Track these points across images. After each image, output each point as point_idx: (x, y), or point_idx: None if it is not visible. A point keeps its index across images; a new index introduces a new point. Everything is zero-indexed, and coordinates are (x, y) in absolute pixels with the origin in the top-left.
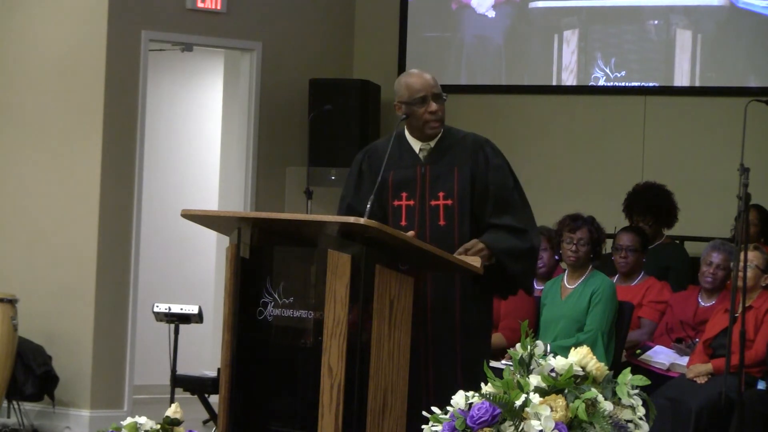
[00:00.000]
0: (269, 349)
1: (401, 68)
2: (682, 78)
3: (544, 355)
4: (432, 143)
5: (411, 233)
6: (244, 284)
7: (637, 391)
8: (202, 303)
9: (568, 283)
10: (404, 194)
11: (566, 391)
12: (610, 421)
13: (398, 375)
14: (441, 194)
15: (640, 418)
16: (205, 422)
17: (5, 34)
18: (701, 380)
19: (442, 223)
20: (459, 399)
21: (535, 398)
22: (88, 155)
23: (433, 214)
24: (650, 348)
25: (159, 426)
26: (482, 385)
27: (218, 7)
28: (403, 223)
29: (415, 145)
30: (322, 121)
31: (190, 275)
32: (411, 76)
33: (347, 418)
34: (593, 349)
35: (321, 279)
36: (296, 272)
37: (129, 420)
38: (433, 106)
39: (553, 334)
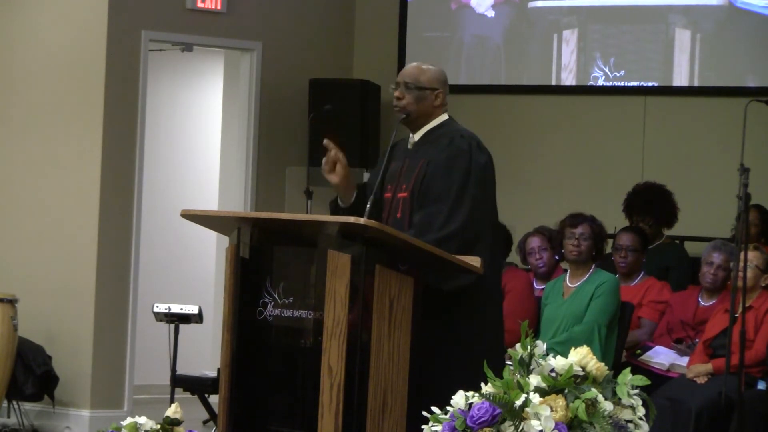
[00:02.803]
0: (269, 348)
1: (401, 68)
2: (681, 78)
3: (544, 355)
4: (417, 136)
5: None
6: (244, 284)
7: (637, 391)
8: (202, 303)
9: (570, 282)
10: (390, 186)
11: (566, 391)
12: (610, 421)
13: (398, 375)
14: (404, 186)
15: (640, 418)
16: (205, 422)
17: (5, 35)
18: (701, 380)
19: (398, 215)
20: (459, 399)
21: (535, 398)
22: (88, 155)
23: (395, 206)
24: (650, 348)
25: (159, 426)
26: (482, 385)
27: (218, 7)
28: (385, 214)
29: (410, 137)
30: (322, 121)
31: (190, 275)
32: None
33: (347, 418)
34: (590, 342)
35: (321, 279)
36: (296, 272)
37: (129, 420)
38: (396, 93)
39: (553, 332)
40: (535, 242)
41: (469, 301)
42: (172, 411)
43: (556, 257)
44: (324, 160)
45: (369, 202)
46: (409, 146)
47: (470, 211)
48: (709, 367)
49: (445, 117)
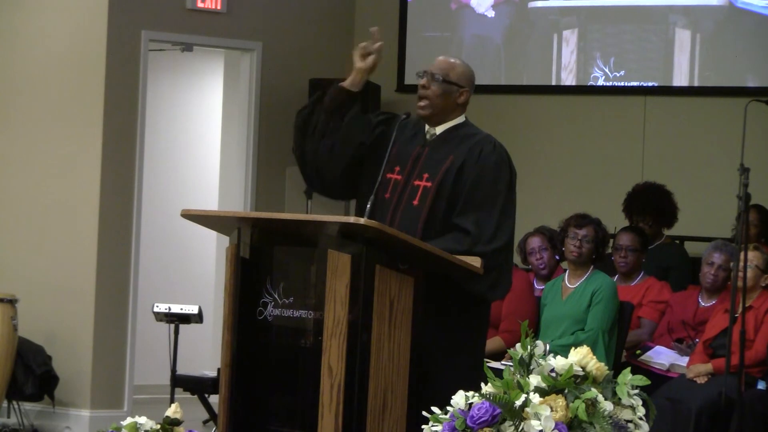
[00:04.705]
0: (269, 349)
1: (401, 68)
2: (681, 78)
3: (544, 355)
4: (439, 129)
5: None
6: (244, 284)
7: (637, 391)
8: (202, 303)
9: (569, 283)
10: (397, 168)
11: (566, 391)
12: (610, 421)
13: (398, 375)
14: (425, 176)
15: (640, 418)
16: (205, 422)
17: (5, 35)
18: (701, 380)
19: (415, 202)
20: (459, 399)
21: (535, 398)
22: (88, 155)
23: (411, 192)
24: (650, 348)
25: (159, 426)
26: (482, 385)
27: (218, 7)
28: (387, 195)
29: (428, 128)
30: None
31: (190, 275)
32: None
33: (347, 418)
34: (594, 348)
35: (321, 279)
36: (296, 272)
37: (129, 420)
38: (422, 81)
39: (554, 334)
40: (535, 242)
41: (475, 302)
42: (172, 411)
43: (557, 257)
44: (363, 45)
45: (369, 202)
46: (428, 137)
47: (512, 224)
48: (709, 367)
49: (464, 118)
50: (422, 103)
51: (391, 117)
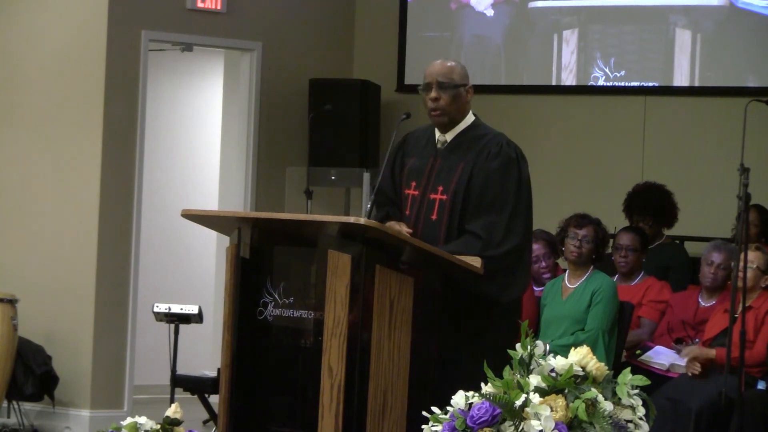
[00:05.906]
0: (269, 349)
1: (401, 68)
2: (681, 78)
3: (544, 355)
4: (449, 136)
5: (407, 231)
6: (244, 284)
7: (637, 391)
8: (202, 303)
9: (569, 283)
10: (413, 183)
11: (566, 391)
12: (610, 421)
13: (398, 375)
14: (440, 188)
15: (640, 418)
16: (205, 422)
17: (5, 35)
18: (696, 368)
19: (433, 217)
20: (459, 399)
21: (535, 398)
22: (88, 155)
23: (429, 207)
24: (650, 348)
25: (159, 426)
26: (482, 386)
27: (218, 7)
28: (407, 212)
29: (439, 135)
30: (322, 121)
31: (190, 275)
32: (430, 63)
33: (347, 418)
34: (594, 348)
35: (321, 279)
36: (296, 272)
37: (129, 420)
38: (432, 93)
39: (554, 334)
40: (537, 250)
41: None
42: (172, 411)
43: (555, 260)
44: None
45: (369, 202)
46: (439, 145)
47: (524, 223)
48: (711, 352)
49: (473, 117)
50: (436, 114)
51: (409, 134)
